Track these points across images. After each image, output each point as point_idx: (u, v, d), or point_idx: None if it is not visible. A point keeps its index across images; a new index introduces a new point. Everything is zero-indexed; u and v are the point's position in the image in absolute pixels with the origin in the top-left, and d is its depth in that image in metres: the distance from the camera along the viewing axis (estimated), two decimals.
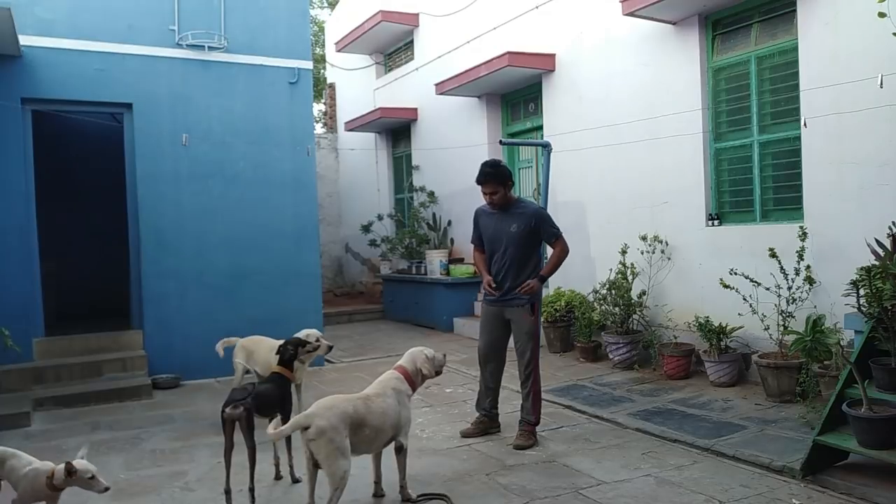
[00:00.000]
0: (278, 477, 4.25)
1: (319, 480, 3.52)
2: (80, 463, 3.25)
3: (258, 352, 5.56)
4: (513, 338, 5.01)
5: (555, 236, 4.93)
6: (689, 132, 6.76)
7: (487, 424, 5.08)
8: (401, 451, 3.88)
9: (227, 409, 3.81)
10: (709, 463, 4.37)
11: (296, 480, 4.16)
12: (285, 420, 3.96)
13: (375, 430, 3.68)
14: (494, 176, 4.82)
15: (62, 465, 3.24)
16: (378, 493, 3.95)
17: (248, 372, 5.62)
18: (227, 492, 3.80)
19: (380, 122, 12.29)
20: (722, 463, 4.36)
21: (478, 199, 5.12)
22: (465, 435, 5.02)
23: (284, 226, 7.84)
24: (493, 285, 4.90)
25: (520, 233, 4.85)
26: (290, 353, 4.38)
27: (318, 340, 4.88)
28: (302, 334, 5.02)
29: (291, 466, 4.21)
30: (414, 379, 4.06)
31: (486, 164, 4.89)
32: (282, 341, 5.55)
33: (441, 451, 4.78)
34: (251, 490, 3.79)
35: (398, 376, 4.00)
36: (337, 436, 3.43)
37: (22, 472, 3.28)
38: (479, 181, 4.84)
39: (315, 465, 3.50)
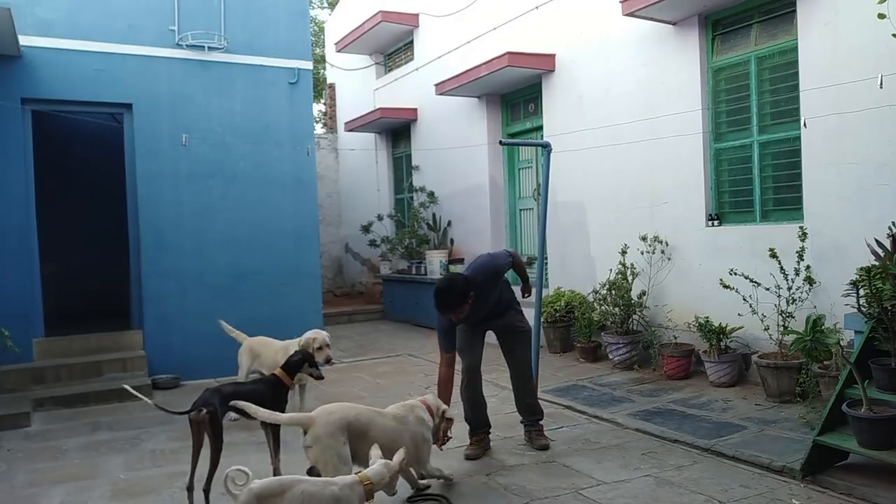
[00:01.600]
0: None
1: None
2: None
3: (265, 354, 5.60)
4: (506, 344, 4.87)
5: (509, 261, 4.75)
6: (688, 132, 6.76)
7: (488, 440, 4.86)
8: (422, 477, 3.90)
9: (192, 413, 3.79)
10: (709, 463, 4.37)
11: None
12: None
13: (379, 446, 3.51)
14: (453, 301, 4.26)
15: (377, 466, 2.98)
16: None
17: (253, 372, 5.64)
18: (189, 489, 3.78)
19: (380, 123, 12.29)
20: (722, 463, 4.36)
21: (478, 198, 5.10)
22: (472, 459, 4.62)
23: (284, 226, 7.84)
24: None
25: (498, 293, 4.68)
26: (294, 363, 4.36)
27: (321, 347, 4.96)
28: (310, 335, 5.04)
29: (276, 468, 4.13)
30: (434, 413, 4.00)
31: (439, 292, 4.29)
32: (287, 342, 5.55)
33: (441, 451, 4.77)
34: (206, 491, 3.74)
35: (424, 407, 3.96)
36: (334, 443, 3.38)
37: (336, 491, 2.83)
38: (443, 311, 4.31)
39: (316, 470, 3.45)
